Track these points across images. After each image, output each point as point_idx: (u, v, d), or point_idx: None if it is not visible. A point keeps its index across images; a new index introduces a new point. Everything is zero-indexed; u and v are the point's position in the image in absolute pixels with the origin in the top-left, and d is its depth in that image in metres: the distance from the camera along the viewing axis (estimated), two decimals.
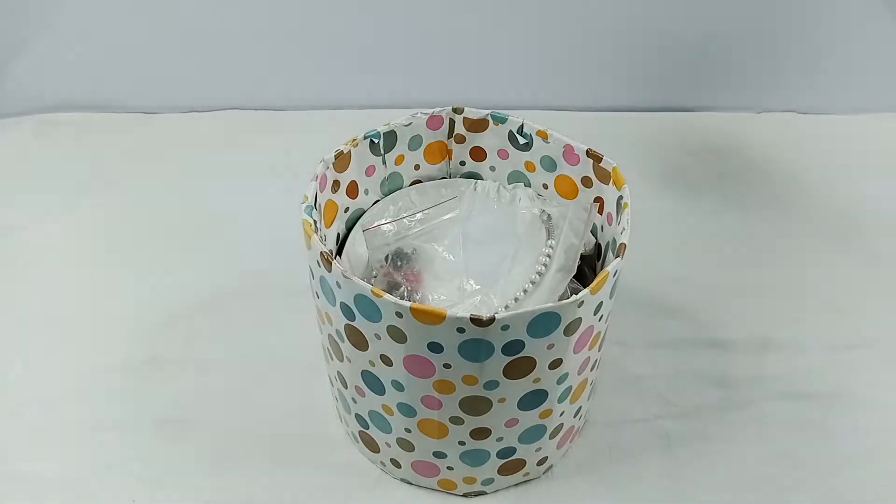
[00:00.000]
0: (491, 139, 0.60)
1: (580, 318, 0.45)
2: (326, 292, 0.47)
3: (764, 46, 0.94)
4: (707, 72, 0.95)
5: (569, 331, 0.45)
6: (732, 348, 0.67)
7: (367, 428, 0.54)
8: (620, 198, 0.51)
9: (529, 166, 0.59)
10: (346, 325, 0.47)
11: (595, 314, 0.47)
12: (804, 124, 0.94)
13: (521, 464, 0.54)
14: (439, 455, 0.52)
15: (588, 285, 0.45)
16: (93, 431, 0.59)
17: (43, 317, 0.68)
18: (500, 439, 0.51)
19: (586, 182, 0.56)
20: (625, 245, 0.48)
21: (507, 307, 0.53)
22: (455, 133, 0.60)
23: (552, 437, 0.53)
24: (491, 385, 0.46)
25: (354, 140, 0.56)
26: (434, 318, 0.43)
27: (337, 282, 0.45)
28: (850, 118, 0.95)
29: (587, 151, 0.55)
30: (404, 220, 0.59)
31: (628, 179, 0.52)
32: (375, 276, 0.56)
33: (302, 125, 0.92)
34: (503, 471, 0.54)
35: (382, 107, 0.89)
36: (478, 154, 0.61)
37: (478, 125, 0.59)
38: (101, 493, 0.56)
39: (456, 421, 0.49)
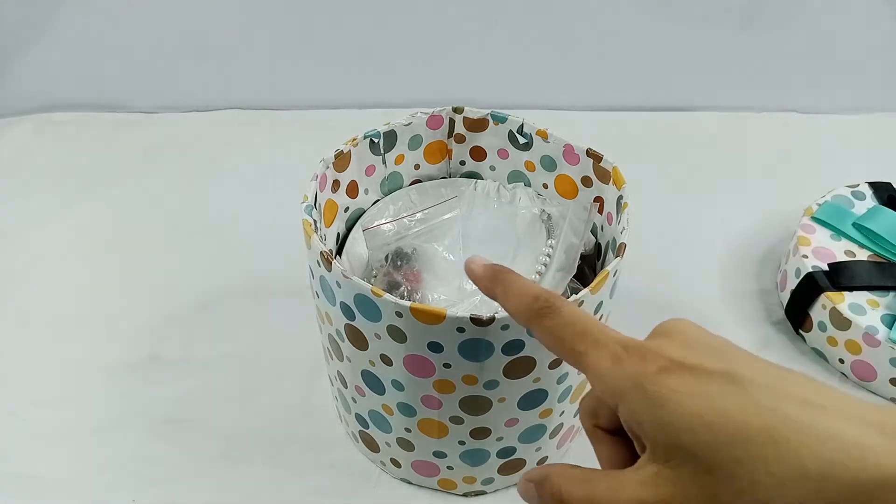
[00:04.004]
0: (491, 139, 0.60)
1: None
2: (326, 292, 0.47)
3: (764, 46, 0.94)
4: (707, 72, 0.96)
5: None
6: None
7: (367, 427, 0.54)
8: (620, 197, 0.51)
9: (529, 166, 0.59)
10: (346, 325, 0.47)
11: (595, 314, 0.47)
12: (804, 124, 0.94)
13: (521, 463, 0.54)
14: (439, 455, 0.52)
15: (588, 285, 0.45)
16: (93, 431, 0.59)
17: (43, 317, 0.68)
18: (500, 439, 0.51)
19: (586, 182, 0.56)
20: (625, 245, 0.48)
21: None
22: (455, 133, 0.60)
23: (552, 436, 0.53)
24: (491, 385, 0.46)
25: (354, 140, 0.56)
26: (434, 317, 0.43)
27: (337, 281, 0.45)
28: (850, 118, 0.95)
29: (587, 151, 0.55)
30: (404, 219, 0.59)
31: (628, 179, 0.52)
32: (375, 276, 0.56)
33: (302, 125, 0.92)
34: (503, 470, 0.54)
35: (382, 107, 0.89)
36: (478, 154, 0.61)
37: (478, 125, 0.59)
38: (101, 493, 0.56)
39: (456, 420, 0.49)
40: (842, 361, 0.65)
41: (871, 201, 0.73)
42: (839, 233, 0.70)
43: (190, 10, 0.90)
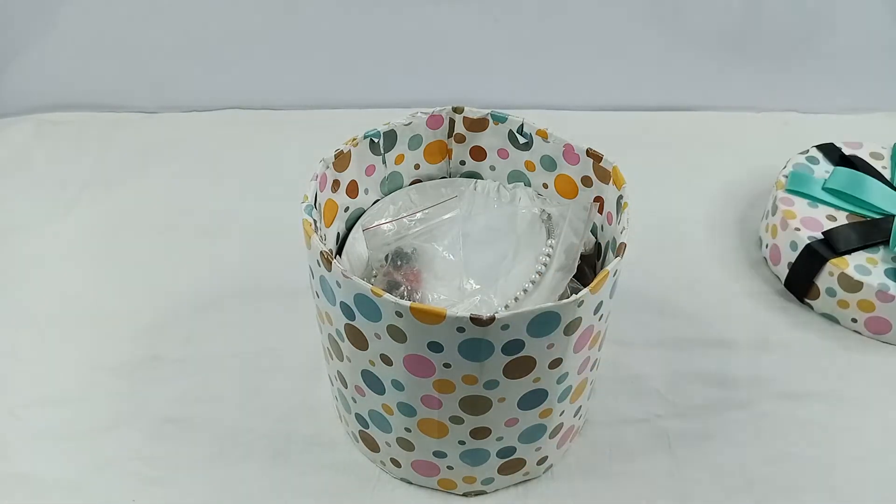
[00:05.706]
0: (491, 139, 0.60)
1: (580, 318, 0.45)
2: (326, 292, 0.47)
3: (764, 46, 0.94)
4: (707, 72, 0.96)
5: (569, 330, 0.45)
6: (732, 348, 0.67)
7: (367, 427, 0.54)
8: (620, 197, 0.51)
9: (529, 166, 0.59)
10: (346, 325, 0.47)
11: (595, 314, 0.47)
12: (804, 124, 0.94)
13: (521, 463, 0.54)
14: (439, 454, 0.52)
15: (588, 285, 0.45)
16: (93, 431, 0.59)
17: (43, 317, 0.68)
18: (500, 439, 0.51)
19: (586, 181, 0.56)
20: (625, 245, 0.48)
21: (506, 307, 0.53)
22: (455, 132, 0.60)
23: (552, 436, 0.53)
24: (491, 384, 0.46)
25: (354, 140, 0.56)
26: (434, 317, 0.43)
27: (337, 281, 0.45)
28: (850, 118, 0.95)
29: (587, 151, 0.55)
30: (404, 219, 0.59)
31: (628, 179, 0.52)
32: (375, 276, 0.56)
33: (302, 125, 0.92)
34: (503, 470, 0.54)
35: (382, 107, 0.89)
36: (478, 153, 0.61)
37: (478, 125, 0.59)
38: (101, 493, 0.56)
39: (456, 420, 0.49)
40: (854, 321, 0.67)
41: (826, 164, 0.76)
42: (813, 199, 0.72)
43: (190, 10, 0.90)
